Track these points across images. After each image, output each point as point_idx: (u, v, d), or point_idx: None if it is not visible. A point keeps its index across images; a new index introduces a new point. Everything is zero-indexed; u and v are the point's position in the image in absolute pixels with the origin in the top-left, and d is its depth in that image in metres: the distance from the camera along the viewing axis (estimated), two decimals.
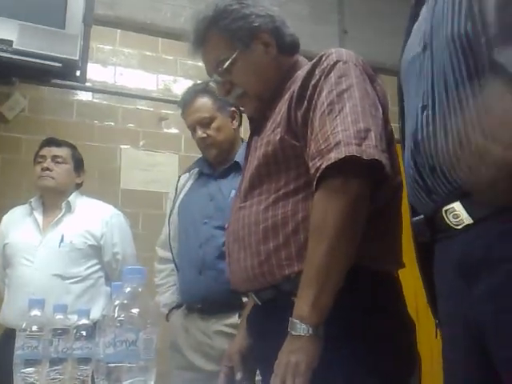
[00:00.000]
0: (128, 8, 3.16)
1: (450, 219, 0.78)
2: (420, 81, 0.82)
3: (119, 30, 3.16)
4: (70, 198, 2.27)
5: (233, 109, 1.94)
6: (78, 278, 2.16)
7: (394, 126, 1.11)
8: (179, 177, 2.12)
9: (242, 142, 1.96)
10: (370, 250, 1.03)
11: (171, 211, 2.04)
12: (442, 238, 0.83)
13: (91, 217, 2.28)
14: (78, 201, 2.31)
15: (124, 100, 3.10)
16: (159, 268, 2.08)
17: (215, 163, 1.96)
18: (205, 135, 1.91)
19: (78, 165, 2.36)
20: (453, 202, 0.77)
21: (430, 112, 0.78)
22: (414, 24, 0.91)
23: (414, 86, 0.85)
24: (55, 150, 2.29)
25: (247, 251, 1.12)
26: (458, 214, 0.77)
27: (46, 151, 2.29)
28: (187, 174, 2.06)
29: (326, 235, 0.98)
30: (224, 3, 1.22)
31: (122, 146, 3.06)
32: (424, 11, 0.87)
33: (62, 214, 2.24)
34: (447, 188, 0.78)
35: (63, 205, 2.25)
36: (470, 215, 0.76)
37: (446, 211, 0.79)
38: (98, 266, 2.24)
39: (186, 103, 1.95)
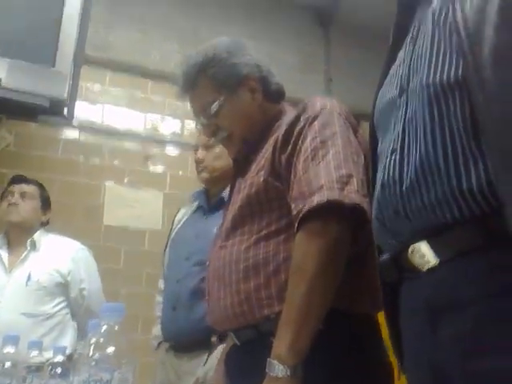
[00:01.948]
0: (119, 50, 3.23)
1: (416, 259, 0.77)
2: (394, 125, 0.83)
3: (109, 71, 3.22)
4: (35, 236, 2.27)
5: None
6: (46, 316, 2.15)
7: None
8: (179, 209, 2.14)
9: None
10: (349, 292, 1.04)
11: (166, 244, 2.05)
12: (408, 278, 0.81)
13: (57, 254, 2.27)
14: (44, 238, 2.30)
15: (111, 138, 3.14)
16: (157, 299, 2.08)
17: (210, 195, 1.98)
18: (202, 157, 1.94)
19: (45, 203, 2.37)
20: (418, 241, 0.76)
21: (397, 156, 0.79)
22: (389, 68, 0.92)
23: (387, 129, 0.85)
24: (24, 187, 2.31)
25: (227, 290, 1.13)
26: (423, 254, 0.75)
27: (14, 188, 2.31)
28: (184, 209, 2.08)
29: (305, 276, 0.99)
30: (213, 52, 1.26)
31: (106, 183, 3.07)
32: (401, 56, 0.88)
33: (27, 251, 2.23)
34: (412, 230, 0.77)
35: (28, 242, 2.24)
36: (436, 256, 0.74)
37: (412, 251, 0.77)
38: (64, 303, 2.23)
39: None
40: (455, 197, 0.69)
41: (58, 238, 2.35)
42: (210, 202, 1.96)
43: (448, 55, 0.73)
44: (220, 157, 1.92)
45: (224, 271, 1.15)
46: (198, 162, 1.97)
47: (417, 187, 0.74)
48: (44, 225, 2.37)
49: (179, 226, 2.02)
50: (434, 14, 0.79)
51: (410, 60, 0.82)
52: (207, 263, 1.27)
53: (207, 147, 1.94)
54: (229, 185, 1.86)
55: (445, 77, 0.73)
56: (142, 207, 3.09)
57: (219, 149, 1.91)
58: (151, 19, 3.37)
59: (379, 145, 0.90)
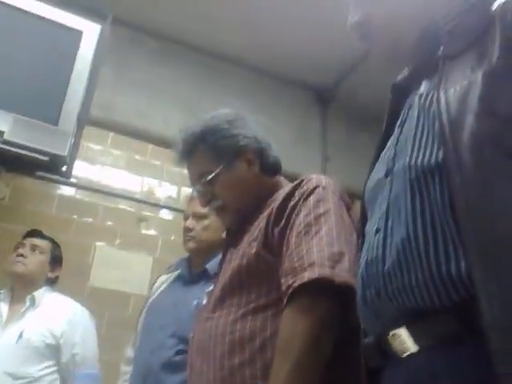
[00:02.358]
0: (123, 113, 3.31)
1: (396, 345, 0.75)
2: (380, 204, 0.84)
3: (112, 133, 3.28)
4: (37, 292, 2.21)
5: None
6: (29, 379, 2.03)
7: None
8: (158, 277, 2.10)
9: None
10: (334, 376, 1.01)
11: (141, 311, 1.99)
12: (390, 363, 0.79)
13: (54, 313, 2.20)
14: (46, 296, 2.24)
15: (106, 198, 3.15)
16: (123, 370, 1.99)
17: (192, 265, 1.95)
18: (190, 226, 1.94)
19: (55, 259, 2.34)
20: (399, 327, 0.75)
21: (381, 235, 0.79)
22: (382, 150, 0.94)
23: (374, 209, 0.87)
24: (35, 241, 2.30)
25: (211, 364, 1.09)
26: (403, 340, 0.74)
27: (26, 240, 2.30)
28: (166, 276, 2.04)
29: (291, 355, 0.96)
30: (214, 122, 1.30)
31: (97, 243, 3.04)
32: (392, 139, 0.90)
33: (25, 308, 2.16)
34: (392, 313, 0.76)
35: (27, 298, 2.18)
36: (416, 343, 0.72)
37: (392, 335, 0.76)
38: (53, 368, 2.11)
39: (192, 195, 2.01)
40: (435, 283, 0.69)
41: (60, 298, 2.29)
42: (192, 272, 1.94)
43: (430, 140, 0.76)
44: (209, 228, 1.94)
45: (209, 344, 1.12)
46: (186, 231, 1.97)
47: (398, 269, 0.74)
48: (51, 282, 2.32)
49: (157, 293, 1.98)
50: (420, 99, 0.82)
51: (397, 143, 0.85)
52: (191, 335, 1.23)
53: (197, 217, 1.95)
54: (213, 256, 1.86)
55: (426, 160, 0.75)
56: (130, 270, 3.04)
57: (208, 220, 1.93)
58: (158, 86, 3.48)
59: (367, 224, 0.91)
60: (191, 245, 1.95)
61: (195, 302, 1.67)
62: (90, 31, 2.53)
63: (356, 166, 3.81)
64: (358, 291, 0.85)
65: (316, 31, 3.33)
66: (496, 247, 0.63)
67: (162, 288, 1.99)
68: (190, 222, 1.96)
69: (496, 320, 0.61)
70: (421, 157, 0.75)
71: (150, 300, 1.98)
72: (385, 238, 0.78)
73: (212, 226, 1.94)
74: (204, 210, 1.90)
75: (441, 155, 0.72)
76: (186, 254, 2.03)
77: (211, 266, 1.83)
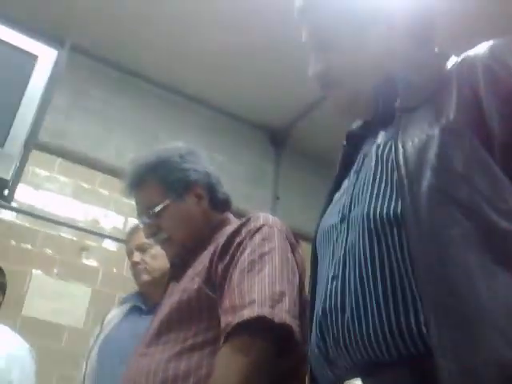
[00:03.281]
0: (74, 140, 3.25)
1: None
2: (334, 250, 0.83)
3: (60, 159, 3.20)
4: None
5: None
6: None
7: None
8: (109, 311, 2.01)
9: None
10: None
11: (91, 347, 1.89)
12: None
13: None
14: None
15: (47, 225, 3.04)
16: None
17: (147, 296, 1.89)
18: (138, 260, 1.89)
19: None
20: (353, 377, 0.73)
21: (339, 283, 0.78)
22: (334, 194, 0.95)
23: (328, 254, 0.86)
24: None
25: None
26: None
27: None
28: (117, 309, 1.96)
29: None
30: (166, 155, 1.30)
31: (33, 271, 2.91)
32: (345, 184, 0.91)
33: None
34: (348, 363, 0.75)
35: None
36: None
37: None
38: None
39: (132, 231, 1.98)
40: (393, 336, 0.69)
41: (2, 329, 2.14)
42: (148, 304, 1.87)
43: (388, 191, 0.76)
44: (157, 256, 1.88)
45: (140, 381, 1.07)
46: (134, 265, 1.91)
47: (356, 321, 0.74)
48: None
49: (110, 327, 1.89)
50: (377, 150, 0.83)
51: (353, 189, 0.85)
52: (124, 371, 1.19)
53: (142, 249, 1.91)
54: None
55: (384, 212, 0.75)
56: (66, 301, 2.91)
57: (154, 250, 1.88)
58: (113, 116, 3.45)
59: (319, 268, 0.91)
60: (145, 278, 1.89)
61: None
62: (45, 56, 2.48)
63: (305, 207, 3.89)
64: (313, 338, 0.84)
65: (273, 74, 3.42)
66: (452, 304, 0.64)
67: (115, 321, 1.90)
68: (137, 256, 1.91)
69: (452, 375, 0.61)
70: (379, 206, 0.76)
71: (103, 335, 1.88)
72: (343, 287, 0.77)
73: (160, 254, 1.87)
74: (148, 241, 1.88)
75: (399, 207, 0.73)
76: (130, 287, 1.97)
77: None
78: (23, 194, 2.95)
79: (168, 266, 1.89)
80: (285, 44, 3.10)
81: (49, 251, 3.00)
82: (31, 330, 2.74)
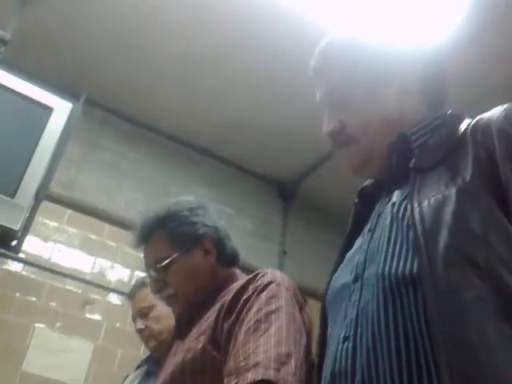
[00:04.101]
0: (84, 191, 3.27)
1: None
2: (347, 310, 0.81)
3: (69, 210, 3.21)
4: None
5: None
6: None
7: None
8: (126, 376, 1.98)
9: None
10: None
11: None
12: None
13: None
14: None
15: (53, 277, 3.01)
16: None
17: (159, 359, 1.85)
18: (142, 327, 1.85)
19: None
20: None
21: (350, 345, 0.76)
22: (345, 252, 0.93)
23: (340, 314, 0.83)
24: None
25: None
26: None
27: None
28: (133, 375, 1.94)
29: None
30: (176, 208, 1.30)
31: (36, 325, 2.86)
32: (359, 243, 0.89)
33: None
34: None
35: None
36: None
37: None
38: None
39: (129, 296, 1.97)
40: None
41: None
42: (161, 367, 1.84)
43: (404, 250, 0.75)
44: (160, 318, 1.85)
45: None
46: (140, 332, 1.88)
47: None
48: None
49: None
50: (393, 208, 0.82)
51: (367, 248, 0.84)
52: None
53: (143, 315, 1.87)
54: None
55: (400, 271, 0.73)
56: (67, 357, 2.82)
57: (156, 311, 1.85)
58: (124, 168, 3.49)
59: (329, 329, 0.88)
60: (152, 344, 1.86)
61: None
62: (60, 109, 2.56)
63: (312, 262, 3.84)
64: None
65: (283, 128, 3.47)
66: (469, 372, 0.62)
67: None
68: (140, 323, 1.88)
69: None
70: (394, 266, 0.75)
71: None
72: (354, 349, 0.75)
73: (163, 314, 1.86)
74: (145, 304, 1.87)
75: (415, 267, 0.72)
76: (135, 343, 1.93)
77: None
78: (31, 245, 2.94)
79: (173, 323, 1.87)
80: (293, 98, 3.16)
81: (53, 304, 2.95)
82: None
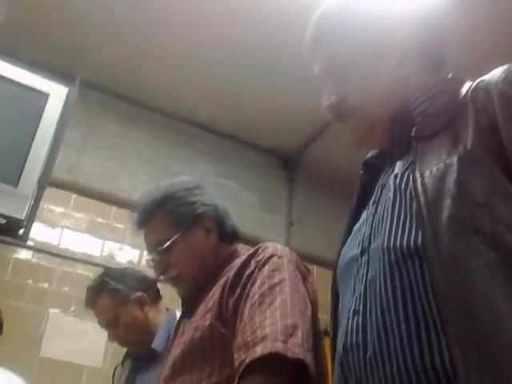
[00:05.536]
0: (87, 175, 3.27)
1: None
2: (355, 284, 0.82)
3: (74, 195, 3.22)
4: None
5: (138, 294, 1.88)
6: None
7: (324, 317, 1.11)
8: (115, 369, 2.01)
9: (167, 310, 1.92)
10: None
11: None
12: None
13: None
14: None
15: (64, 263, 3.04)
16: None
17: (136, 353, 1.88)
18: (114, 339, 1.87)
19: None
20: None
21: (360, 318, 0.76)
22: (353, 224, 0.93)
23: (349, 288, 0.84)
24: None
25: None
26: None
27: None
28: (121, 368, 1.96)
29: None
30: (173, 189, 1.29)
31: (50, 310, 2.90)
32: (365, 215, 0.89)
33: None
34: None
35: None
36: None
37: None
38: None
39: (89, 307, 1.91)
40: (418, 375, 0.66)
41: (1, 372, 2.11)
42: (140, 359, 1.85)
43: (408, 221, 0.75)
44: (128, 326, 1.84)
45: None
46: (111, 340, 1.90)
47: (379, 358, 0.71)
48: None
49: None
50: (395, 180, 0.82)
51: (372, 221, 0.84)
52: None
53: (111, 326, 1.85)
54: (153, 336, 1.80)
55: (404, 243, 0.73)
56: (84, 340, 2.87)
57: (123, 319, 1.83)
58: (126, 150, 3.48)
59: (340, 302, 0.89)
60: (130, 348, 1.90)
61: None
62: (56, 94, 2.51)
63: (319, 231, 3.85)
64: (335, 376, 0.82)
65: (283, 99, 3.43)
66: (477, 339, 0.62)
67: (123, 378, 1.90)
68: (111, 336, 1.88)
69: None
70: (399, 238, 0.74)
71: None
72: (364, 323, 0.76)
73: (130, 320, 1.84)
74: (109, 316, 1.84)
75: (420, 239, 0.71)
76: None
77: (157, 343, 1.78)
78: (39, 232, 2.96)
79: (139, 327, 1.84)
80: (294, 69, 3.11)
81: (65, 289, 2.99)
82: (50, 371, 2.72)
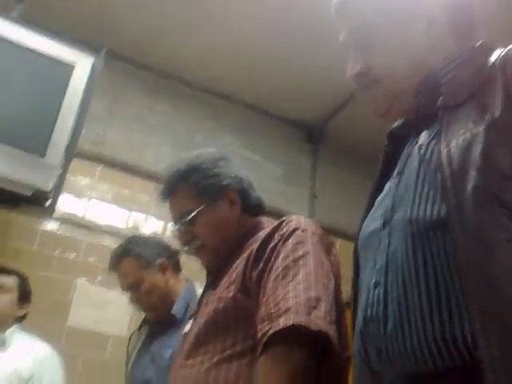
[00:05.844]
0: (113, 147, 3.29)
1: None
2: (376, 256, 0.81)
3: (100, 166, 3.25)
4: (6, 333, 2.12)
5: (161, 260, 1.91)
6: None
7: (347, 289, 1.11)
8: (130, 337, 2.04)
9: (187, 280, 1.94)
10: None
11: (126, 375, 1.92)
12: None
13: (23, 355, 2.10)
14: (15, 337, 2.15)
15: (90, 233, 3.09)
16: None
17: (156, 319, 1.91)
18: (136, 302, 1.89)
19: (24, 296, 2.23)
20: None
21: (381, 290, 0.76)
22: (376, 196, 0.92)
23: (370, 260, 0.84)
24: (2, 278, 2.20)
25: None
26: None
27: None
28: (137, 334, 2.00)
29: None
30: (198, 161, 1.29)
31: (77, 280, 2.97)
32: (388, 187, 0.88)
33: None
34: (392, 375, 0.72)
35: None
36: None
37: None
38: None
39: (112, 270, 1.93)
40: (438, 347, 0.66)
41: (29, 339, 2.18)
42: (158, 324, 1.88)
43: (432, 192, 0.74)
44: (150, 291, 1.86)
45: None
46: (133, 303, 1.92)
47: (400, 330, 0.71)
48: (20, 320, 2.21)
49: (135, 354, 1.93)
50: (420, 150, 0.80)
51: (396, 192, 0.83)
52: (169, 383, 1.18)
53: (133, 289, 1.88)
54: (173, 303, 1.82)
55: (427, 215, 0.72)
56: (110, 309, 2.94)
57: (145, 283, 1.85)
58: (150, 121, 3.49)
59: (361, 274, 0.89)
60: (147, 313, 1.92)
61: (170, 352, 1.62)
62: (82, 64, 2.52)
63: (343, 204, 3.82)
64: (355, 347, 0.82)
65: (308, 71, 3.37)
66: (498, 311, 0.61)
67: (139, 344, 1.94)
68: (132, 298, 1.90)
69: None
70: (422, 210, 0.73)
71: (131, 362, 1.91)
72: (385, 295, 0.75)
73: (152, 284, 1.86)
74: (132, 279, 1.86)
75: (443, 211, 0.70)
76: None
77: (177, 310, 1.81)
78: (65, 204, 3.00)
79: (161, 293, 1.87)
80: (319, 40, 3.04)
81: (91, 259, 3.05)
82: (77, 340, 2.79)
